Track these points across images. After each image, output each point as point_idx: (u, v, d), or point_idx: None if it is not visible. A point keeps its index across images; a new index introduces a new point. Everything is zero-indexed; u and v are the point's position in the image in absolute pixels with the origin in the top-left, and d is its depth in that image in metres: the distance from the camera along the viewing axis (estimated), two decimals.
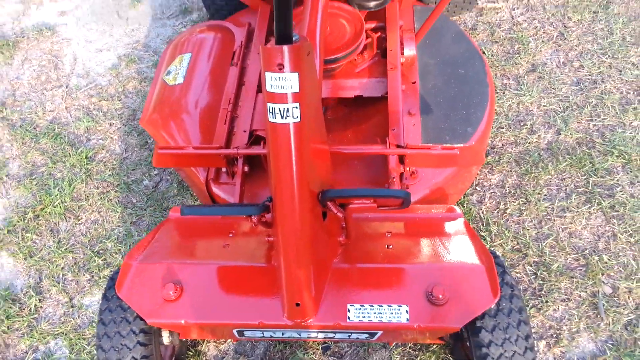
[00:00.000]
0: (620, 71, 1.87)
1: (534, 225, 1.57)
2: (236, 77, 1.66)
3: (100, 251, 1.68)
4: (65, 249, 1.70)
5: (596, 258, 1.49)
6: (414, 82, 1.58)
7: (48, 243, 1.72)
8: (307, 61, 0.92)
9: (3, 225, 1.78)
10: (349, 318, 1.07)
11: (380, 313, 1.07)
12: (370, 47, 1.59)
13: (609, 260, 1.48)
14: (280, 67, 0.89)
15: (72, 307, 1.58)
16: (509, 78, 1.91)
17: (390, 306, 1.07)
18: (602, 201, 1.58)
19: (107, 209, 1.77)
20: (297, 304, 1.05)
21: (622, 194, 1.59)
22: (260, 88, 1.57)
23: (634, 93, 1.82)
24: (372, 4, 1.58)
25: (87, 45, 2.30)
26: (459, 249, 1.15)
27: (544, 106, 1.82)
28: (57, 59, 2.26)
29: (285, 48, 0.88)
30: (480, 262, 1.11)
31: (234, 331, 1.14)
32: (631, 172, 1.63)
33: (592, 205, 1.58)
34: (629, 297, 1.42)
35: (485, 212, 1.60)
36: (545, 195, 1.62)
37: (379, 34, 1.59)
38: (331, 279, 1.12)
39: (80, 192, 1.82)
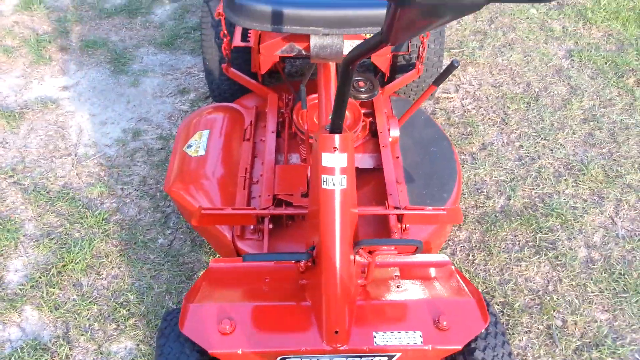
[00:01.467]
0: (552, 150, 2.35)
1: (497, 272, 1.94)
2: (250, 150, 1.97)
3: (124, 302, 1.86)
4: (90, 302, 1.86)
5: (548, 298, 1.86)
6: (397, 157, 1.96)
7: (72, 296, 1.88)
8: (350, 145, 1.26)
9: (25, 281, 1.92)
10: (375, 342, 1.35)
11: (400, 337, 1.36)
12: (363, 129, 1.96)
13: (558, 299, 1.86)
14: (334, 149, 1.21)
15: (100, 353, 1.74)
16: (465, 154, 2.34)
17: (407, 332, 1.37)
18: (548, 252, 1.98)
19: (127, 265, 1.97)
20: (336, 332, 1.32)
21: (563, 247, 2.00)
22: (276, 161, 1.89)
23: (564, 167, 2.28)
24: (364, 96, 1.96)
25: (91, 118, 2.53)
26: (453, 286, 1.48)
27: (494, 177, 2.25)
28: (62, 129, 2.47)
29: (338, 136, 1.21)
30: (472, 296, 1.44)
31: (278, 359, 1.38)
32: (567, 229, 2.06)
33: (540, 256, 1.97)
34: (575, 328, 1.79)
35: (458, 263, 1.95)
36: (503, 248, 2.00)
37: (370, 118, 1.97)
38: (357, 313, 1.40)
39: (100, 250, 2.01)
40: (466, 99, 2.61)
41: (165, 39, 2.93)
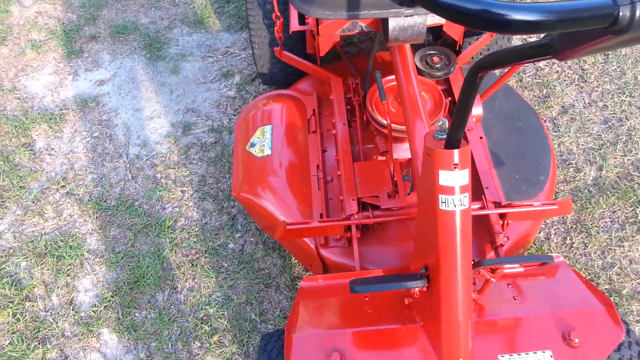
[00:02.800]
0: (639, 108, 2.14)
1: (599, 255, 1.79)
2: (318, 144, 1.81)
3: (204, 317, 1.78)
4: (169, 319, 1.78)
5: None
6: (481, 137, 1.78)
7: (149, 315, 1.80)
8: (469, 158, 1.09)
9: (97, 302, 1.84)
10: None
11: (529, 359, 1.24)
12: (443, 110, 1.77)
13: None
14: (455, 166, 1.05)
15: None
16: (545, 121, 2.14)
17: (536, 353, 1.24)
18: None
19: (201, 276, 1.87)
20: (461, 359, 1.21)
21: None
22: (360, 157, 1.73)
23: None
24: (439, 73, 1.76)
25: (136, 114, 2.38)
26: (576, 292, 1.34)
27: (581, 145, 2.06)
28: (108, 129, 2.33)
29: (457, 152, 1.05)
30: (600, 302, 1.30)
31: None
32: None
33: None
34: None
35: (555, 248, 1.80)
36: (602, 227, 1.84)
37: (449, 98, 1.78)
38: (474, 333, 1.28)
39: (170, 262, 1.91)
40: (539, 64, 2.37)
41: (198, 17, 2.72)
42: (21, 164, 2.23)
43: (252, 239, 1.95)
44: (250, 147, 1.84)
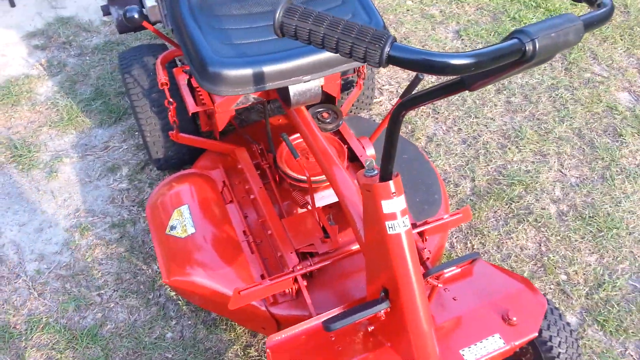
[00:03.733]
0: (486, 125, 2.57)
1: (496, 250, 2.09)
2: (239, 211, 1.89)
3: None
4: None
5: (545, 258, 2.05)
6: None
7: None
8: (401, 185, 1.28)
9: None
10: None
11: (485, 346, 1.42)
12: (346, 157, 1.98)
13: (553, 257, 2.06)
14: (394, 194, 1.23)
15: None
16: None
17: (487, 338, 1.44)
18: (528, 218, 2.18)
19: None
20: None
21: (536, 209, 2.21)
22: (282, 214, 1.84)
23: (503, 138, 2.51)
24: (330, 127, 1.97)
25: (23, 228, 2.23)
26: (498, 280, 1.58)
27: (452, 164, 2.40)
28: None
29: (391, 182, 1.23)
30: (519, 282, 1.55)
31: None
32: (531, 192, 2.27)
33: (523, 224, 2.16)
34: (577, 277, 2.00)
35: (461, 252, 2.06)
36: (491, 226, 2.16)
37: (346, 145, 1.99)
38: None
39: None
40: (392, 99, 2.73)
41: (64, 118, 2.66)
42: None
43: (190, 322, 1.92)
44: (171, 230, 1.85)
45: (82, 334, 1.89)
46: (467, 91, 1.02)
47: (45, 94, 2.79)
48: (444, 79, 1.01)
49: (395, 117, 1.12)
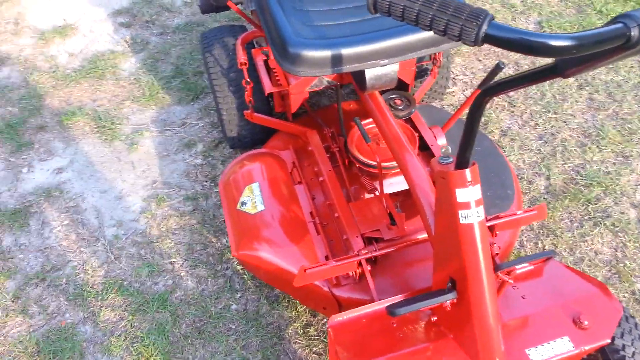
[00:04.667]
0: (565, 122, 2.46)
1: (569, 252, 2.01)
2: (307, 193, 1.92)
3: None
4: None
5: (621, 265, 1.96)
6: None
7: None
8: (478, 175, 1.25)
9: None
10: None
11: (552, 348, 1.39)
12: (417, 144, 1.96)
13: (630, 264, 1.96)
14: (469, 183, 1.21)
15: None
16: None
17: (556, 341, 1.40)
18: (605, 221, 2.08)
19: (211, 342, 1.87)
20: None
21: (614, 213, 2.11)
22: (349, 198, 1.86)
23: (583, 136, 2.40)
24: (402, 113, 1.96)
25: (104, 195, 2.37)
26: (571, 282, 1.52)
27: (527, 161, 2.33)
28: (78, 215, 2.29)
29: (468, 170, 1.21)
30: (594, 285, 1.49)
31: None
32: (611, 195, 2.17)
33: (599, 227, 2.07)
34: None
35: (530, 252, 2.01)
36: (565, 227, 2.08)
37: (418, 133, 1.97)
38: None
39: (176, 334, 1.89)
40: (466, 90, 2.67)
41: (146, 94, 2.78)
42: None
43: (254, 296, 1.98)
44: (242, 206, 1.91)
45: (153, 298, 1.99)
46: (560, 78, 0.98)
47: (129, 69, 2.92)
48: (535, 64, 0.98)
49: (479, 103, 1.10)
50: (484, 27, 0.84)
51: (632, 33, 0.80)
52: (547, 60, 0.93)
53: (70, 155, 2.53)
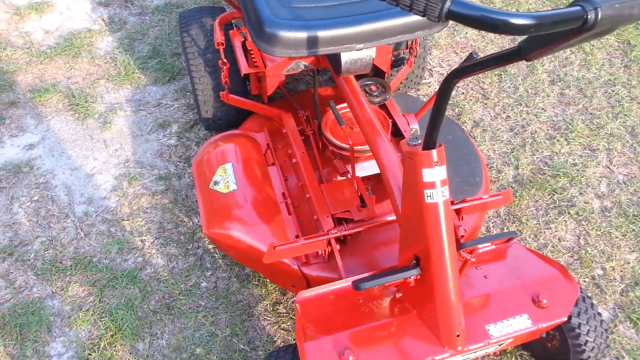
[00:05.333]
0: (536, 115, 2.52)
1: (533, 238, 2.07)
2: (280, 174, 1.94)
3: (192, 357, 1.78)
4: None
5: (583, 252, 2.02)
6: None
7: None
8: (444, 156, 1.29)
9: None
10: (492, 335, 1.41)
11: (511, 325, 1.43)
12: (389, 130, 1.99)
13: (591, 250, 2.03)
14: (435, 164, 1.24)
15: None
16: None
17: (515, 317, 1.44)
18: (569, 210, 2.15)
19: (179, 317, 1.87)
20: (458, 335, 1.37)
21: (579, 202, 2.17)
22: (321, 180, 1.88)
23: (552, 129, 2.47)
24: (377, 100, 1.99)
25: (75, 172, 2.35)
26: (532, 263, 1.57)
27: (497, 151, 2.38)
28: (48, 191, 2.27)
29: (435, 151, 1.24)
30: (554, 267, 1.54)
31: None
32: (576, 185, 2.24)
33: (564, 215, 2.13)
34: (614, 273, 1.97)
35: None
36: (530, 215, 2.14)
37: (391, 120, 2.00)
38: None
39: (145, 310, 1.90)
40: (441, 81, 2.71)
41: (122, 73, 2.75)
42: None
43: (224, 274, 2.00)
44: (214, 185, 1.92)
45: (122, 274, 1.98)
46: (523, 61, 1.01)
47: (105, 48, 2.89)
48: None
49: (446, 85, 1.13)
50: (447, 4, 0.86)
51: (589, 16, 0.83)
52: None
53: (42, 132, 2.50)
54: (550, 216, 2.13)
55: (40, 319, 1.87)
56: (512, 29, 0.84)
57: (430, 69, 2.78)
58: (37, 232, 2.12)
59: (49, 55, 2.84)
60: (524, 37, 0.95)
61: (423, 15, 0.89)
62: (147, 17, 3.05)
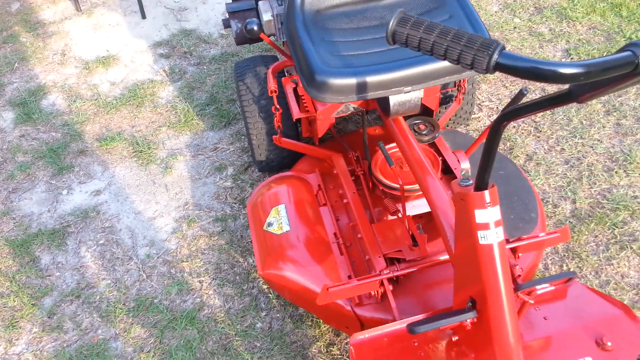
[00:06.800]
0: (592, 147, 2.46)
1: (594, 275, 2.00)
2: (332, 214, 1.98)
3: None
4: None
5: None
6: None
7: None
8: (497, 196, 1.28)
9: None
10: None
11: None
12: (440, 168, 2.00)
13: None
14: (488, 205, 1.24)
15: None
16: None
17: None
18: (632, 245, 2.06)
19: (236, 358, 1.91)
20: None
21: None
22: (373, 219, 1.90)
23: (609, 161, 2.39)
24: (426, 138, 2.01)
25: (138, 216, 2.47)
26: (594, 303, 1.52)
27: (552, 185, 2.33)
28: (113, 235, 2.40)
29: (487, 192, 1.24)
30: (617, 307, 1.49)
31: None
32: (638, 219, 2.15)
33: (626, 250, 2.05)
34: None
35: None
36: (590, 251, 2.07)
37: (441, 158, 2.01)
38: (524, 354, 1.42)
39: (203, 351, 1.95)
40: (492, 115, 2.70)
41: (182, 120, 2.90)
42: (29, 282, 2.24)
43: (279, 315, 2.03)
44: (268, 226, 1.97)
45: (181, 315, 2.05)
46: (574, 103, 1.01)
47: (166, 97, 3.06)
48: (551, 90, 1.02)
49: (497, 127, 1.14)
50: (495, 56, 0.89)
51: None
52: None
53: (108, 178, 2.65)
54: (611, 252, 2.05)
55: None
56: (562, 78, 0.85)
57: (479, 104, 2.77)
58: (103, 275, 2.24)
59: (114, 105, 3.03)
60: None
61: (471, 69, 0.92)
62: (205, 67, 3.22)
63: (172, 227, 2.39)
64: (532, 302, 1.42)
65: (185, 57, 3.31)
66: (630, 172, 2.34)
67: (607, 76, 0.86)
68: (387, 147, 1.95)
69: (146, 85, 3.13)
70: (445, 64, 1.65)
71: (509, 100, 2.70)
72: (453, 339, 1.48)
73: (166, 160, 2.70)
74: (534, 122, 2.62)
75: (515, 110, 1.08)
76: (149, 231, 2.39)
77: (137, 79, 3.19)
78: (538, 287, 1.48)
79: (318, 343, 1.93)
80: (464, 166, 2.01)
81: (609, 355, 1.39)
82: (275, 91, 1.99)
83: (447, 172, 2.01)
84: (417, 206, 1.89)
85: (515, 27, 3.23)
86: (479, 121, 2.68)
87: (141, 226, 2.42)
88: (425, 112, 2.09)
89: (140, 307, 2.10)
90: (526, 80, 2.85)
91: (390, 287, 1.67)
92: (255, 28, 1.96)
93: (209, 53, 3.32)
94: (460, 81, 2.19)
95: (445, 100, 2.33)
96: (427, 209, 1.87)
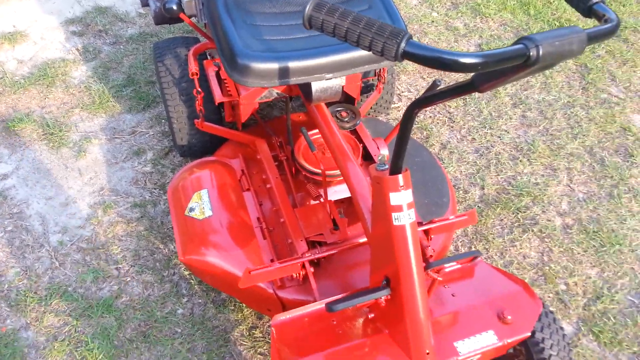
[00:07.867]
0: (499, 137, 2.63)
1: (499, 256, 2.15)
2: (255, 199, 1.99)
3: None
4: None
5: (547, 268, 2.11)
6: None
7: None
8: (410, 179, 1.36)
9: None
10: (460, 352, 1.47)
11: (478, 341, 1.49)
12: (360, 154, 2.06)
13: (555, 267, 2.12)
14: (402, 188, 1.32)
15: None
16: None
17: (482, 334, 1.51)
18: (533, 228, 2.24)
19: (156, 345, 1.89)
20: (427, 352, 1.42)
21: (542, 220, 2.27)
22: (295, 204, 1.93)
23: (515, 150, 2.58)
24: (348, 125, 2.06)
25: (49, 202, 2.35)
26: (497, 281, 1.65)
27: (463, 172, 2.47)
28: (22, 221, 2.27)
29: (401, 176, 1.31)
30: (517, 284, 1.62)
31: None
32: (539, 204, 2.34)
33: (528, 233, 2.23)
34: (577, 288, 2.06)
35: None
36: (496, 233, 2.22)
37: (362, 144, 2.08)
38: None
39: (121, 339, 1.90)
40: None
41: (96, 102, 2.78)
42: None
43: (200, 300, 2.02)
44: (190, 211, 1.95)
45: (98, 303, 1.99)
46: (477, 93, 1.10)
47: (80, 77, 2.92)
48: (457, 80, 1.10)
49: (409, 114, 1.21)
50: (403, 45, 0.94)
51: (531, 53, 0.92)
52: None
53: (16, 162, 2.50)
54: (515, 234, 2.22)
55: (14, 351, 1.86)
56: (463, 67, 0.92)
57: (399, 94, 2.88)
58: (11, 263, 2.12)
59: (22, 85, 2.85)
60: None
61: (381, 55, 0.97)
62: (122, 47, 3.10)
63: (87, 213, 2.30)
64: (440, 279, 1.51)
65: (100, 35, 3.17)
66: (533, 160, 2.53)
67: (503, 67, 0.94)
68: (310, 133, 1.98)
69: (57, 64, 2.97)
70: (365, 52, 1.70)
71: (425, 89, 2.83)
72: (369, 316, 1.55)
73: (79, 143, 2.58)
74: (448, 112, 2.76)
75: (425, 99, 1.15)
76: (61, 217, 2.29)
77: (47, 57, 3.01)
78: (446, 265, 1.58)
79: (240, 327, 1.94)
80: (383, 152, 2.09)
81: (508, 328, 1.52)
82: (197, 74, 1.97)
83: (368, 159, 2.08)
84: (338, 191, 1.94)
85: (433, 21, 3.37)
86: (399, 110, 2.78)
87: (53, 212, 2.31)
88: (347, 100, 2.15)
89: (53, 295, 2.02)
90: (441, 72, 3.00)
91: (312, 269, 1.71)
92: (175, 7, 1.92)
93: (126, 32, 3.19)
94: (380, 71, 2.27)
95: (367, 89, 2.40)
96: (348, 194, 1.93)
